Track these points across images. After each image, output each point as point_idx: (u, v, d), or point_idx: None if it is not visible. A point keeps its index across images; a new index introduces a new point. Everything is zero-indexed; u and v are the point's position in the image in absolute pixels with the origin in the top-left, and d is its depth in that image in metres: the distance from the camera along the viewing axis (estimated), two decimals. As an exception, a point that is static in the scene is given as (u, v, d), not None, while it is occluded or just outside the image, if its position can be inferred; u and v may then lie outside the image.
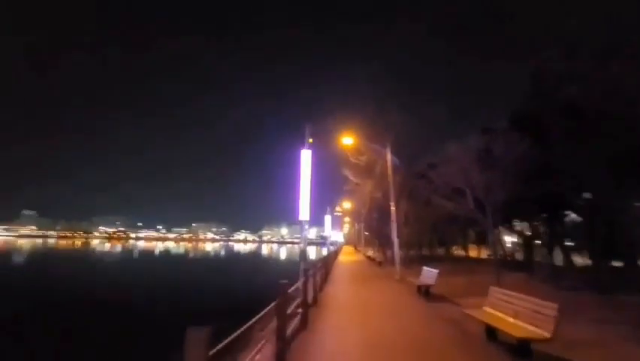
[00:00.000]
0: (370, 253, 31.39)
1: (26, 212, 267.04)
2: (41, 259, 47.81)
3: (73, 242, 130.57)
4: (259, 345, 4.40)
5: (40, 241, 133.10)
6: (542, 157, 9.99)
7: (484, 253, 28.75)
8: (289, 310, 6.46)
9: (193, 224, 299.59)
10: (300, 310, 6.45)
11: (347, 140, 16.47)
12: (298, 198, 8.22)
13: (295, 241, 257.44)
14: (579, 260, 15.99)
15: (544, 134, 10.57)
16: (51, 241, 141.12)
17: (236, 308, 7.01)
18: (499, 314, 5.31)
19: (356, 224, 51.13)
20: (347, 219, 55.71)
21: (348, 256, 35.73)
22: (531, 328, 4.42)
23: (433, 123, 16.06)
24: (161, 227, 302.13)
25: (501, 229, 22.87)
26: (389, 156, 16.05)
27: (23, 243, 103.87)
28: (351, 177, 23.32)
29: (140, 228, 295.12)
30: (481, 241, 29.45)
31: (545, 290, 10.07)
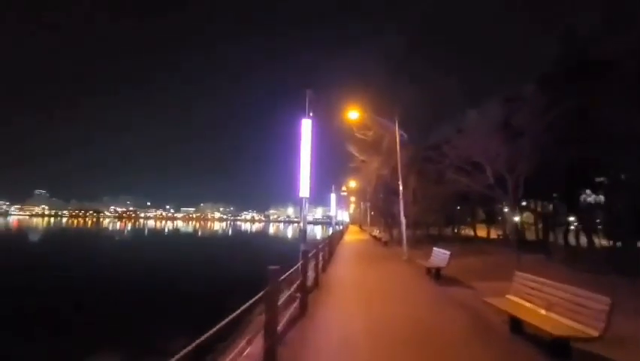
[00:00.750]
0: (376, 232, 30.85)
1: (38, 192, 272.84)
2: (57, 237, 48.64)
3: (84, 221, 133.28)
4: (248, 336, 3.79)
5: (52, 220, 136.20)
6: (580, 121, 8.84)
7: (494, 234, 27.99)
8: (287, 294, 5.85)
9: (201, 204, 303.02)
10: (298, 294, 5.83)
11: (352, 114, 15.42)
12: (299, 174, 7.45)
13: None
14: (595, 241, 15.14)
15: (584, 95, 9.30)
16: (63, 220, 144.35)
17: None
18: (528, 305, 4.56)
19: (362, 203, 50.58)
20: (353, 198, 55.11)
21: (353, 236, 35.36)
22: (571, 323, 3.67)
23: (447, 95, 14.85)
24: (169, 207, 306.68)
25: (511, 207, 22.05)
26: (397, 131, 15.06)
27: (37, 222, 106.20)
28: (356, 154, 22.20)
29: (149, 207, 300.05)
30: (491, 220, 28.62)
31: (566, 273, 9.32)
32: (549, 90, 9.60)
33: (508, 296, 5.10)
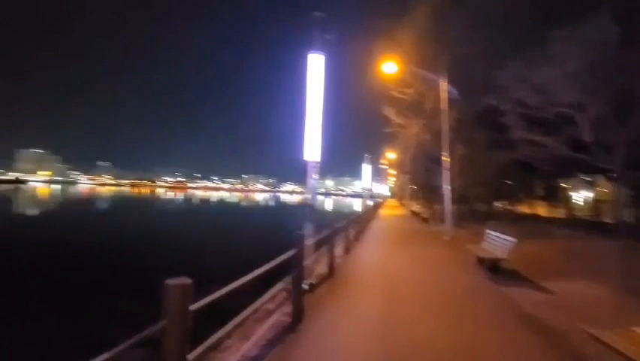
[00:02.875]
0: (415, 207, 28.19)
1: (101, 163, 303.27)
2: (125, 204, 53.29)
3: (141, 190, 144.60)
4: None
5: (115, 188, 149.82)
6: None
7: (556, 212, 24.06)
8: (273, 301, 4.19)
9: (244, 175, 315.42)
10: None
11: (389, 67, 12.74)
12: (306, 133, 5.51)
13: (340, 193, 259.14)
14: None
15: None
16: (124, 189, 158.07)
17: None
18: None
19: (402, 176, 47.41)
20: (392, 171, 51.84)
21: (390, 211, 33.14)
22: None
23: (511, 37, 11.45)
24: (215, 178, 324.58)
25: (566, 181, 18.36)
26: (444, 86, 12.27)
27: (103, 190, 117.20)
28: (392, 117, 19.17)
29: (197, 178, 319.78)
30: (551, 195, 24.64)
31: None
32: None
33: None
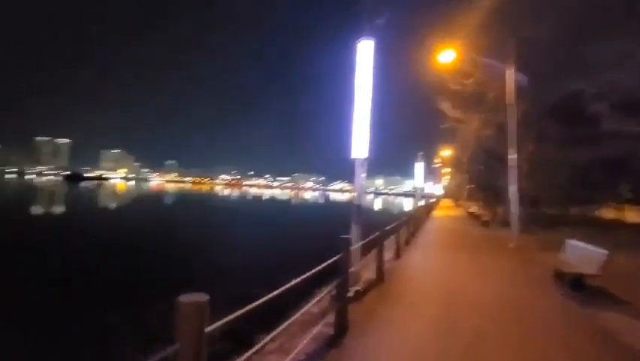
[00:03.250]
0: (473, 208, 25.91)
1: (168, 162, 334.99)
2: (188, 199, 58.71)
3: (202, 187, 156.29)
4: None
5: (180, 185, 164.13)
6: None
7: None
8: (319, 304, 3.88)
9: (294, 174, 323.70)
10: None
11: (446, 55, 11.66)
12: (354, 129, 5.05)
13: (390, 192, 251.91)
14: None
15: None
16: (187, 185, 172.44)
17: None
18: None
19: (458, 175, 44.35)
20: (447, 169, 48.68)
21: (445, 212, 31.12)
22: None
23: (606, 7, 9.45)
24: (268, 176, 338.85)
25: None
26: (511, 74, 10.88)
27: (170, 187, 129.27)
28: (449, 112, 17.43)
29: (251, 176, 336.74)
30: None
31: None
32: None
33: None
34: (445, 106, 16.70)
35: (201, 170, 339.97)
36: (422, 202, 23.82)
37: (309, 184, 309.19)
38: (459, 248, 10.25)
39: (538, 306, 4.88)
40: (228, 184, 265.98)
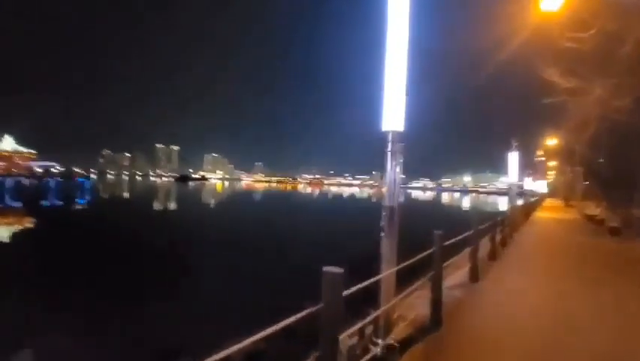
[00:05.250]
0: (592, 209, 20.70)
1: (257, 163, 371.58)
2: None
3: (287, 186, 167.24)
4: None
5: (266, 185, 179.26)
6: None
7: None
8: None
9: (373, 172, 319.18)
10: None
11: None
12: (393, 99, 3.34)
13: (480, 189, 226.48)
14: None
15: None
16: (273, 185, 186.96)
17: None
18: None
19: (569, 168, 37.11)
20: (553, 162, 41.01)
21: (551, 213, 26.28)
22: None
23: None
24: (347, 174, 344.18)
25: None
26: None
27: (259, 186, 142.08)
28: (557, 80, 12.30)
29: (332, 175, 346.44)
30: None
31: None
32: None
33: None
34: (551, 73, 12.09)
35: (286, 170, 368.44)
36: (520, 201, 20.39)
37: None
38: (573, 271, 7.16)
39: None
40: (309, 183, 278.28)
